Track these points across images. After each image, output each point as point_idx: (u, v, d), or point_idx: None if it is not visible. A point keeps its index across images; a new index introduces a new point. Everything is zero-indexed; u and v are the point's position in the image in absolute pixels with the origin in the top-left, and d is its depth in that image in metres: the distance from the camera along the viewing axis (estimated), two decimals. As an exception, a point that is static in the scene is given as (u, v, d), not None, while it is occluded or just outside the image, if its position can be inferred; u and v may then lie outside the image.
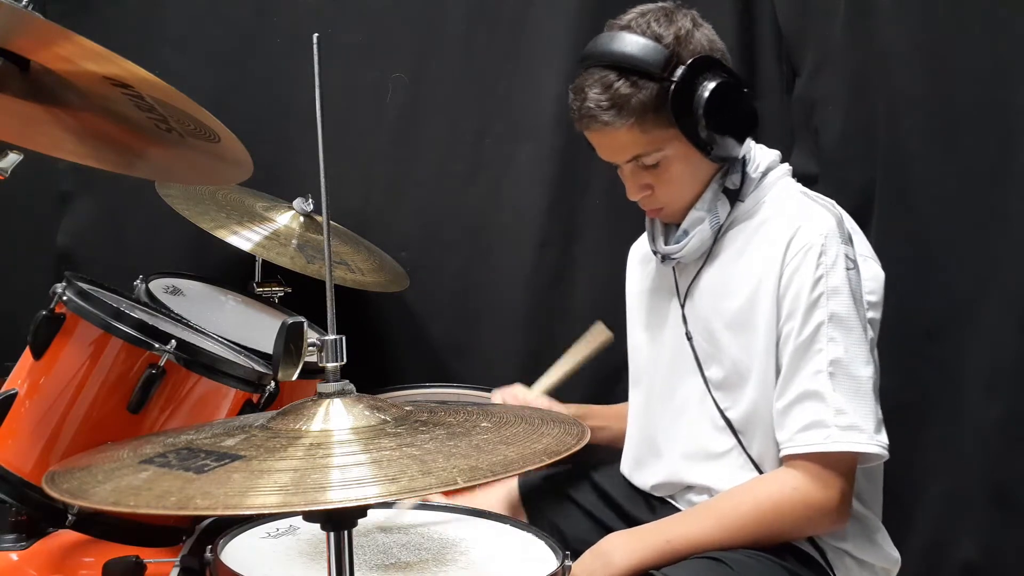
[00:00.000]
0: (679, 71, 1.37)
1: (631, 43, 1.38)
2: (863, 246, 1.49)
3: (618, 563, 1.34)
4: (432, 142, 2.44)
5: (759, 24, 2.22)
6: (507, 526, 1.37)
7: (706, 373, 1.48)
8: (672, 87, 1.37)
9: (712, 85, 1.37)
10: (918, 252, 1.90)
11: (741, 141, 1.44)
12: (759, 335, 1.41)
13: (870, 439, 1.34)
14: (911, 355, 1.89)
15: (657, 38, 1.38)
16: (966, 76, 1.81)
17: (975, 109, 1.81)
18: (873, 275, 1.48)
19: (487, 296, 2.43)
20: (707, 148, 1.40)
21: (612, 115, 1.38)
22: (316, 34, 1.06)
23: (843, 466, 1.35)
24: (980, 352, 1.82)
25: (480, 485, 1.54)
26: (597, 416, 1.71)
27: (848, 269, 1.38)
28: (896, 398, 1.75)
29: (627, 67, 1.38)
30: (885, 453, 1.36)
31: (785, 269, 1.39)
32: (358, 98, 2.43)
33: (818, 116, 2.09)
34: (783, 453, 1.37)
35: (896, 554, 1.48)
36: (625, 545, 1.37)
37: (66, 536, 1.65)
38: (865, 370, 1.36)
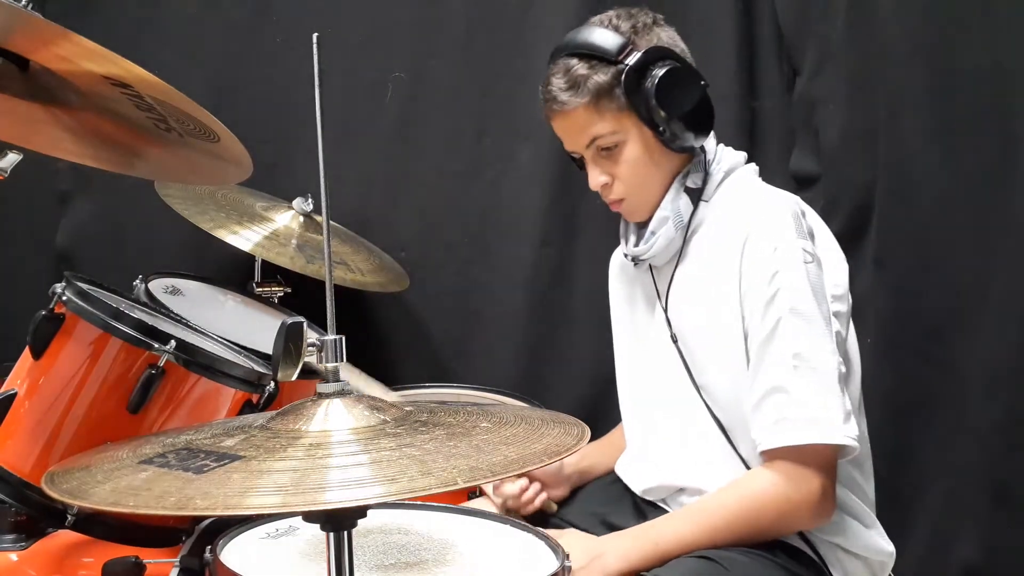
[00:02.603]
0: (633, 56, 1.44)
1: (591, 32, 1.48)
2: (827, 239, 1.50)
3: (613, 565, 1.35)
4: (432, 142, 2.44)
5: (759, 24, 2.22)
6: (507, 526, 1.36)
7: (693, 374, 1.49)
8: (626, 69, 1.44)
9: (663, 70, 1.43)
10: (918, 252, 1.90)
11: (697, 133, 1.47)
12: (728, 336, 1.42)
13: (837, 431, 1.34)
14: (911, 355, 1.89)
15: (616, 28, 1.47)
16: (966, 76, 1.81)
17: (975, 109, 1.81)
18: (835, 267, 1.48)
19: (487, 296, 2.43)
20: (659, 129, 1.45)
21: (569, 95, 1.47)
22: (316, 34, 1.06)
23: (818, 460, 1.35)
24: (980, 352, 1.82)
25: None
26: (600, 457, 1.71)
27: (806, 263, 1.39)
28: (896, 398, 1.76)
29: (585, 53, 1.47)
30: (855, 444, 1.35)
31: (744, 269, 1.40)
32: (358, 98, 2.43)
33: (818, 116, 2.09)
34: (758, 450, 1.38)
35: (890, 547, 1.48)
36: (618, 547, 1.37)
37: (65, 536, 1.65)
38: (829, 362, 1.36)
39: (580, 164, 1.56)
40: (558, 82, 1.48)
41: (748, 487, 1.39)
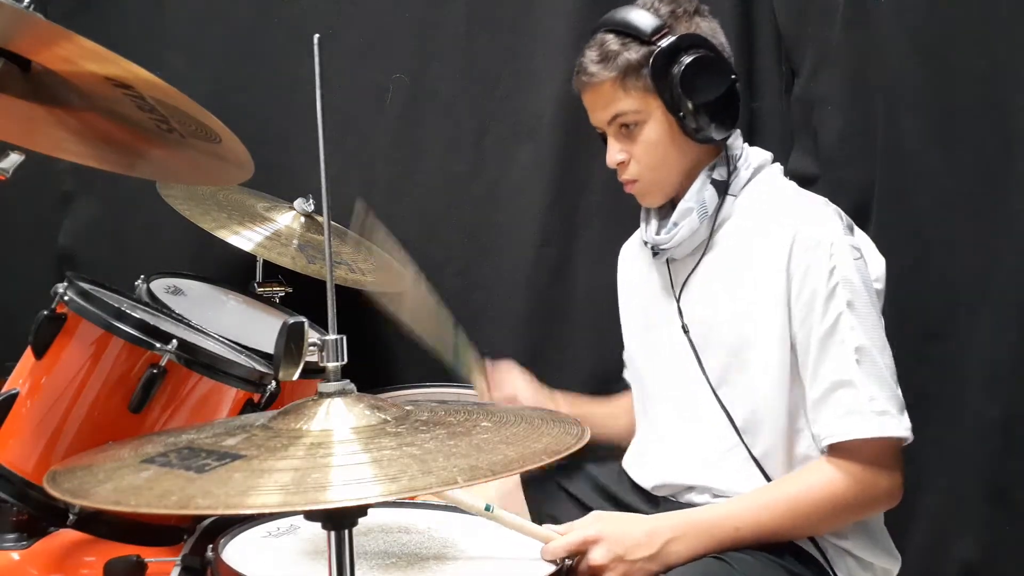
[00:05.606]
0: (667, 39, 1.46)
1: (630, 12, 1.51)
2: (862, 236, 1.51)
3: (684, 554, 1.33)
4: (432, 142, 2.44)
5: (759, 24, 2.22)
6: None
7: (706, 368, 1.49)
8: (656, 51, 1.46)
9: (693, 57, 1.45)
10: (918, 252, 1.90)
11: (722, 126, 1.48)
12: (763, 334, 1.42)
13: (899, 424, 1.36)
14: (911, 355, 1.89)
15: (656, 11, 1.50)
16: (966, 76, 1.81)
17: (975, 109, 1.81)
18: (876, 263, 1.50)
19: (487, 296, 2.43)
20: (679, 115, 1.46)
21: (599, 67, 1.49)
22: (317, 34, 1.07)
23: (889, 452, 1.37)
24: (980, 352, 1.82)
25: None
26: (596, 416, 1.71)
27: (856, 259, 1.40)
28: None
29: (621, 30, 1.49)
30: (910, 435, 1.37)
31: (794, 269, 1.40)
32: (359, 98, 2.43)
33: (817, 116, 2.09)
34: (825, 442, 1.38)
35: (897, 553, 1.49)
36: (690, 533, 1.35)
37: (67, 535, 1.65)
38: (884, 355, 1.39)
39: (604, 139, 1.57)
40: (591, 55, 1.50)
41: (824, 480, 1.37)
